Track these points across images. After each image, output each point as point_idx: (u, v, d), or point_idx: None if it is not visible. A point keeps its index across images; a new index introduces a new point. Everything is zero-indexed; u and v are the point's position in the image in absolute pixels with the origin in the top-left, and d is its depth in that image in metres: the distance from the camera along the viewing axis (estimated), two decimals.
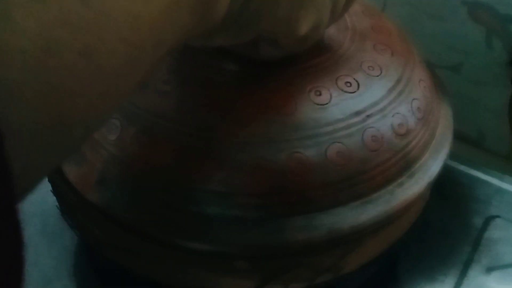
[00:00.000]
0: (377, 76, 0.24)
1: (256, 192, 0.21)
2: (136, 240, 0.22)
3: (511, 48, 0.55)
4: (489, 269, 0.33)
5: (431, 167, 0.25)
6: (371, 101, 0.23)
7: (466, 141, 0.66)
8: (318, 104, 0.22)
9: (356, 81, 0.23)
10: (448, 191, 0.39)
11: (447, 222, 0.36)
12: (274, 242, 0.21)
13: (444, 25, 0.61)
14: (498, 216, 0.37)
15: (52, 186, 0.27)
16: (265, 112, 0.22)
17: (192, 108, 0.22)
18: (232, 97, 0.22)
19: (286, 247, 0.21)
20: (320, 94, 0.22)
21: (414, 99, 0.25)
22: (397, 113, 0.24)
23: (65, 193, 0.24)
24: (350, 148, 0.22)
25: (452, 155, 0.42)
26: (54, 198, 0.33)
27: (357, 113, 0.23)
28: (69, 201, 0.25)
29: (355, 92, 0.23)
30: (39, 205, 0.33)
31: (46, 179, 0.27)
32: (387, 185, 0.23)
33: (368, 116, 0.23)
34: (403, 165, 0.24)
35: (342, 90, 0.23)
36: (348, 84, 0.23)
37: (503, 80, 0.57)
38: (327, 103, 0.22)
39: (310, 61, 0.24)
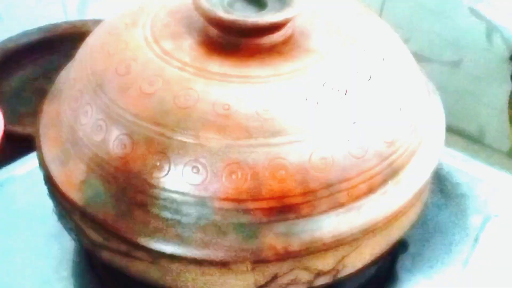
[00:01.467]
0: (367, 82, 0.24)
1: (235, 197, 0.21)
2: (121, 243, 0.23)
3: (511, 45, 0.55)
4: (488, 268, 0.33)
5: (418, 175, 0.25)
6: (358, 108, 0.23)
7: (466, 138, 0.65)
8: (303, 109, 0.22)
9: (344, 86, 0.23)
10: (447, 190, 0.39)
11: (446, 221, 0.36)
12: (253, 247, 0.21)
13: (445, 20, 0.60)
14: (496, 215, 0.37)
15: (48, 190, 0.28)
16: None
17: (173, 110, 0.22)
18: None
19: (265, 252, 0.21)
20: (306, 99, 0.22)
21: (402, 106, 0.25)
22: (385, 120, 0.24)
23: (54, 194, 0.25)
24: (333, 155, 0.22)
25: (452, 153, 0.43)
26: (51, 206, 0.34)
27: (343, 120, 0.22)
28: (62, 204, 0.25)
29: (342, 98, 0.23)
30: (38, 208, 0.34)
31: (44, 183, 0.28)
32: (371, 193, 0.23)
33: (355, 123, 0.22)
34: (389, 172, 0.23)
35: (329, 95, 0.23)
36: (336, 90, 0.23)
37: (503, 75, 0.57)
38: (313, 109, 0.22)
39: (297, 64, 0.24)
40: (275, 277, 0.22)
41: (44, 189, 0.29)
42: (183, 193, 0.21)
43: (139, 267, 0.24)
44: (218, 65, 0.23)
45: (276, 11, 0.24)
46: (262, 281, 0.22)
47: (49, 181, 0.25)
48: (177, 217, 0.22)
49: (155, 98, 0.23)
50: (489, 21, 0.57)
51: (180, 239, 0.22)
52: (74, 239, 0.28)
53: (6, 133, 0.52)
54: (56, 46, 0.71)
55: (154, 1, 0.28)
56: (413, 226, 0.28)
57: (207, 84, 0.23)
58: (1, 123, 0.52)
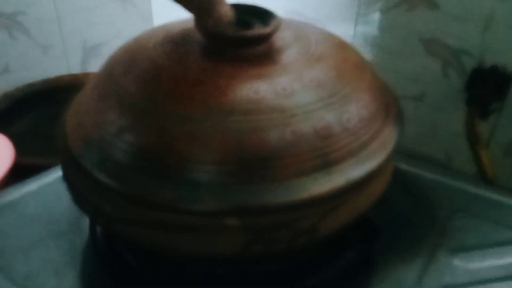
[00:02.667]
0: (313, 87, 0.30)
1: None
2: (130, 207, 0.28)
3: (465, 76, 0.62)
4: (453, 252, 0.38)
5: (351, 172, 0.29)
6: (298, 104, 0.29)
7: (435, 163, 0.71)
8: (254, 99, 0.28)
9: (292, 87, 0.29)
10: (416, 191, 0.44)
11: (416, 216, 0.41)
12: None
13: (405, 60, 0.68)
14: (460, 210, 0.42)
15: (63, 172, 0.33)
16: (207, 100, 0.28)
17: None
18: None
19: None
20: (257, 93, 0.28)
21: (346, 111, 0.30)
22: (323, 118, 0.29)
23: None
24: (269, 135, 0.27)
25: (420, 165, 0.48)
26: (63, 204, 0.39)
27: (282, 111, 0.28)
28: (77, 181, 0.30)
29: (287, 96, 0.29)
30: (50, 211, 0.39)
31: (52, 187, 0.33)
32: (300, 176, 0.28)
33: (292, 115, 0.28)
34: (320, 163, 0.28)
35: (276, 92, 0.29)
36: (284, 89, 0.29)
37: (461, 105, 0.64)
38: (260, 99, 0.28)
39: (259, 70, 0.30)
40: (263, 232, 0.27)
41: (53, 195, 0.34)
42: (186, 159, 0.27)
43: (150, 233, 0.29)
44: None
45: (258, 30, 0.32)
46: (253, 238, 0.27)
47: (71, 162, 0.31)
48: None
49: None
50: (444, 58, 0.64)
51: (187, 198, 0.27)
52: (91, 218, 0.32)
53: (15, 164, 0.57)
54: (59, 96, 0.77)
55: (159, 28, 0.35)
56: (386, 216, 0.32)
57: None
58: (11, 154, 0.57)
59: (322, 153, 0.29)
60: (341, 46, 0.36)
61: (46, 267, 0.35)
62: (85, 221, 0.38)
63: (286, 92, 0.29)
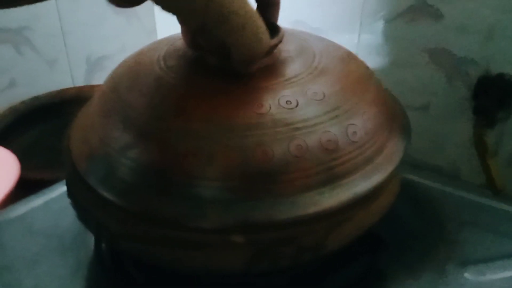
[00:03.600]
0: (318, 100, 0.29)
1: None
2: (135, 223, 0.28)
3: (470, 85, 0.62)
4: (463, 265, 0.37)
5: (357, 186, 0.29)
6: (303, 118, 0.28)
7: (442, 174, 0.70)
8: (258, 113, 0.28)
9: (297, 101, 0.29)
10: (424, 203, 0.44)
11: (424, 228, 0.41)
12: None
13: (410, 71, 0.68)
14: (469, 222, 0.41)
15: (67, 188, 0.33)
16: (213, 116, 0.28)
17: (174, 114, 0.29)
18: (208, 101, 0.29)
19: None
20: (261, 106, 0.28)
21: (351, 124, 0.30)
22: (328, 131, 0.29)
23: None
24: (274, 150, 0.27)
25: (427, 176, 0.48)
26: (68, 219, 0.39)
27: (286, 125, 0.28)
28: (82, 198, 0.30)
29: (292, 109, 0.29)
30: (55, 225, 0.39)
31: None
32: (305, 191, 0.27)
33: (297, 129, 0.28)
34: (326, 177, 0.28)
35: (281, 106, 0.29)
36: (289, 102, 0.29)
37: (467, 114, 0.63)
38: (265, 113, 0.28)
39: (263, 83, 0.30)
40: (268, 248, 0.27)
41: (58, 212, 0.34)
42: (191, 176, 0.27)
43: (156, 250, 0.28)
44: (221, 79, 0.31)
45: None
46: (257, 254, 0.27)
47: (76, 178, 0.31)
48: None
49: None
50: (449, 68, 0.64)
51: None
52: (96, 235, 0.32)
53: (21, 178, 0.57)
54: (64, 109, 0.78)
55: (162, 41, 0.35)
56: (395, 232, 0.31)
57: None
58: (17, 170, 0.58)
59: (328, 167, 0.28)
60: (346, 58, 0.35)
61: (52, 282, 0.35)
62: (90, 236, 0.38)
63: (291, 105, 0.29)
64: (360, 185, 0.29)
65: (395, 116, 0.35)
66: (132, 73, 0.33)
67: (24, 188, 0.53)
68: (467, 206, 0.43)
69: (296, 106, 0.29)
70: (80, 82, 0.88)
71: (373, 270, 0.37)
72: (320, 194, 0.28)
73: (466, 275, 0.37)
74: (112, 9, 0.88)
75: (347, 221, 0.29)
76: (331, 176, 0.28)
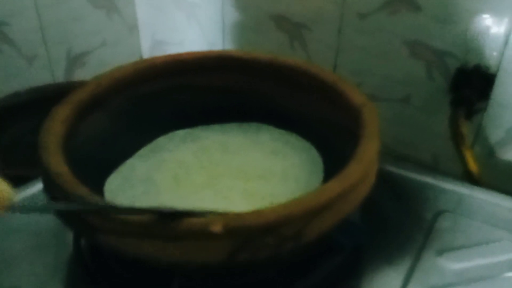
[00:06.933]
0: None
1: None
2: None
3: (449, 77, 0.63)
4: (439, 252, 0.38)
5: None
6: None
7: (422, 165, 0.71)
8: None
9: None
10: (403, 193, 0.44)
11: (402, 218, 0.41)
12: None
13: (390, 63, 0.68)
14: (446, 210, 0.42)
15: (43, 182, 0.32)
16: None
17: None
18: None
19: None
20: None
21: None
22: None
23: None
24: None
25: (406, 167, 0.48)
26: (47, 216, 0.39)
27: None
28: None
29: None
30: (34, 223, 0.39)
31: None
32: None
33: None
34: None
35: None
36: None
37: (446, 106, 0.64)
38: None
39: None
40: (249, 239, 0.27)
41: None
42: None
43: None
44: None
45: None
46: (238, 245, 0.27)
47: (50, 178, 0.30)
48: None
49: None
50: (428, 60, 0.65)
51: None
52: (76, 232, 0.32)
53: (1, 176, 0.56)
54: (44, 106, 0.77)
55: None
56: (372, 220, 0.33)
57: None
58: None
59: None
60: None
61: (30, 281, 0.35)
62: (69, 234, 0.38)
63: None
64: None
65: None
66: None
67: None
68: (445, 196, 0.44)
69: None
70: (60, 78, 0.87)
71: (354, 259, 0.38)
72: None
73: (443, 262, 0.38)
74: (92, 4, 0.87)
75: (325, 212, 0.30)
76: None
